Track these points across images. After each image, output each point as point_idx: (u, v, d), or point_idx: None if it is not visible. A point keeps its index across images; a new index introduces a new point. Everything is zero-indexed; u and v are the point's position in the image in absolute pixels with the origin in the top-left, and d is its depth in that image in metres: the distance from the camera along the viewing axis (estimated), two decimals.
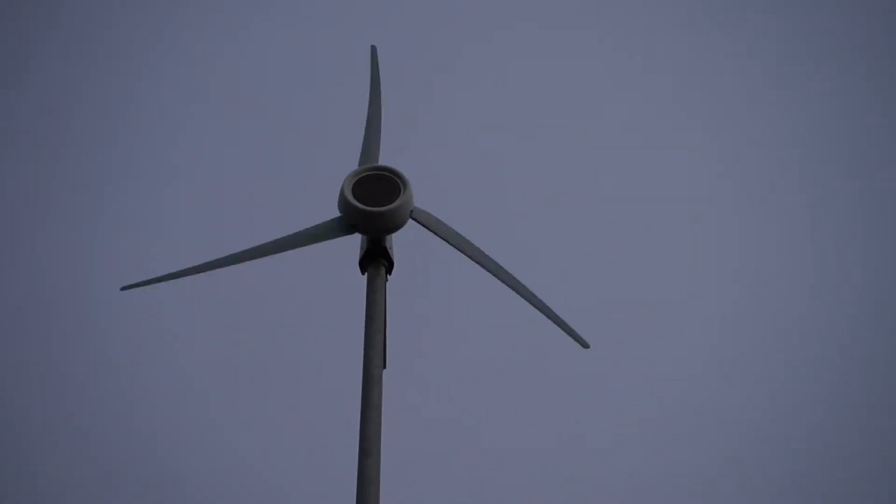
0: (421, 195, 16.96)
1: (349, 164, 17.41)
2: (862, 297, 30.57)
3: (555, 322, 16.24)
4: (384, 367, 16.15)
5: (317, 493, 19.83)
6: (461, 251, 16.55)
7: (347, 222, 16.55)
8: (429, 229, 16.61)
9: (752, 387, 28.93)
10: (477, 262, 16.50)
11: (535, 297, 16.42)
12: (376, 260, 16.43)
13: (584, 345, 16.13)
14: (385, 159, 17.59)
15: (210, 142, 32.07)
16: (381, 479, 14.86)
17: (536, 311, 16.39)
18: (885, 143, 32.34)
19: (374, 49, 19.19)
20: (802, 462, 27.61)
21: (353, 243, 16.87)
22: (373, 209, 16.33)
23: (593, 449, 26.76)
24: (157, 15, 33.54)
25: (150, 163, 31.44)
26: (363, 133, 18.00)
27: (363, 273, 16.58)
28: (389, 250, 16.50)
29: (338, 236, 16.66)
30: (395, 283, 16.70)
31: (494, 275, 16.45)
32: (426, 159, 17.87)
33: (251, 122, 32.49)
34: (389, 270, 16.54)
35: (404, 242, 16.83)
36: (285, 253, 16.88)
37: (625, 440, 27.10)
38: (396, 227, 16.54)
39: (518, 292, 16.42)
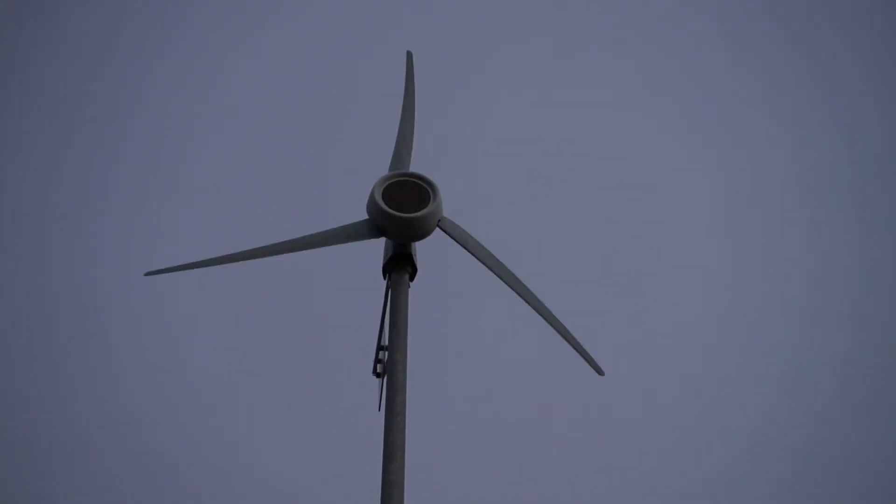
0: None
1: (368, 166, 17.45)
2: (863, 299, 30.74)
3: (573, 346, 16.28)
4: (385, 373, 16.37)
5: (339, 499, 19.87)
6: (486, 265, 16.54)
7: (376, 226, 16.51)
8: (455, 240, 16.59)
9: (755, 389, 29.06)
10: (500, 278, 16.50)
11: (555, 318, 16.41)
12: (401, 266, 16.46)
13: (599, 371, 16.17)
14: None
15: (222, 144, 32.04)
16: (405, 483, 14.97)
17: (555, 333, 16.44)
18: (884, 146, 32.53)
19: (409, 55, 19.09)
20: (804, 465, 27.73)
21: (370, 247, 16.92)
22: (403, 215, 16.31)
23: (611, 456, 26.87)
24: (167, 14, 33.50)
25: (155, 165, 31.39)
26: (394, 138, 18.02)
27: (385, 278, 16.63)
28: (414, 256, 16.52)
29: (365, 238, 16.62)
30: (415, 289, 16.70)
31: (516, 291, 16.46)
32: (447, 164, 17.82)
33: (262, 122, 32.51)
34: (412, 276, 16.55)
35: (427, 249, 16.83)
36: (297, 257, 16.83)
37: (639, 445, 27.22)
38: (424, 234, 16.50)
39: (538, 312, 16.43)
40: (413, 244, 16.58)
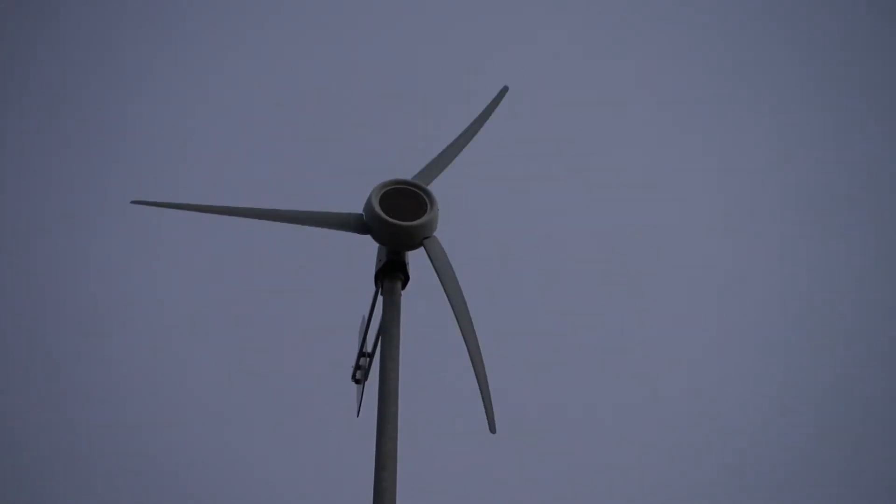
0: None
1: (371, 167, 17.41)
2: (863, 299, 30.75)
3: (481, 394, 15.43)
4: (365, 379, 16.87)
5: None
6: (448, 296, 16.08)
7: (364, 224, 16.54)
8: (431, 262, 16.34)
9: (755, 389, 29.08)
10: (454, 312, 15.99)
11: (483, 369, 15.66)
12: (393, 274, 16.45)
13: (492, 429, 15.28)
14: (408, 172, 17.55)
15: (222, 144, 32.06)
16: (397, 491, 14.99)
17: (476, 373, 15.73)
18: (883, 149, 32.52)
19: (505, 89, 19.00)
20: (804, 465, 27.75)
21: (367, 251, 16.94)
22: (389, 220, 16.32)
23: (610, 456, 26.92)
24: (167, 14, 33.52)
25: (155, 165, 31.43)
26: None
27: (376, 284, 16.65)
28: (406, 265, 16.53)
29: (351, 231, 16.66)
30: (406, 295, 16.65)
31: (462, 332, 15.84)
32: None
33: (263, 122, 32.53)
34: (404, 285, 16.53)
35: (417, 256, 16.78)
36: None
37: (640, 445, 27.27)
38: (409, 245, 16.49)
39: (472, 357, 15.74)
40: (406, 253, 16.57)
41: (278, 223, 16.89)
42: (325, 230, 16.83)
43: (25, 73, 32.24)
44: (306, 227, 16.84)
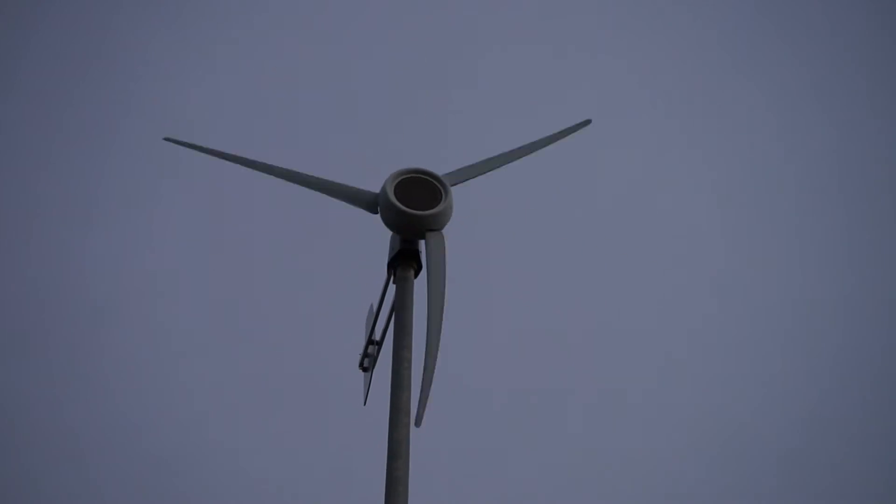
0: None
1: (371, 166, 17.40)
2: (860, 298, 30.85)
3: (423, 387, 15.00)
4: (373, 367, 16.84)
5: (344, 496, 19.89)
6: (430, 292, 15.77)
7: (376, 204, 16.54)
8: (427, 255, 16.15)
9: (754, 390, 29.15)
10: (429, 308, 15.69)
11: (433, 366, 15.22)
12: (406, 262, 16.37)
13: (418, 422, 14.80)
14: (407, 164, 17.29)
15: (221, 143, 32.01)
16: (409, 480, 14.94)
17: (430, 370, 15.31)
18: (874, 154, 32.66)
19: (587, 122, 18.86)
20: (799, 467, 27.80)
21: (372, 239, 16.88)
22: (397, 203, 16.24)
23: (608, 456, 26.97)
24: (168, 11, 33.53)
25: (155, 165, 31.40)
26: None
27: (389, 273, 16.57)
28: (420, 253, 16.41)
29: (361, 207, 16.69)
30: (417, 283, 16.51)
31: (429, 330, 15.51)
32: (444, 162, 17.70)
33: (263, 122, 32.53)
34: (416, 273, 16.42)
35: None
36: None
37: (635, 446, 27.32)
38: (413, 234, 16.37)
39: (427, 351, 15.35)
40: (419, 241, 16.44)
41: (295, 185, 17.07)
42: (337, 205, 16.95)
43: (22, 67, 32.22)
44: (315, 214, 16.84)
